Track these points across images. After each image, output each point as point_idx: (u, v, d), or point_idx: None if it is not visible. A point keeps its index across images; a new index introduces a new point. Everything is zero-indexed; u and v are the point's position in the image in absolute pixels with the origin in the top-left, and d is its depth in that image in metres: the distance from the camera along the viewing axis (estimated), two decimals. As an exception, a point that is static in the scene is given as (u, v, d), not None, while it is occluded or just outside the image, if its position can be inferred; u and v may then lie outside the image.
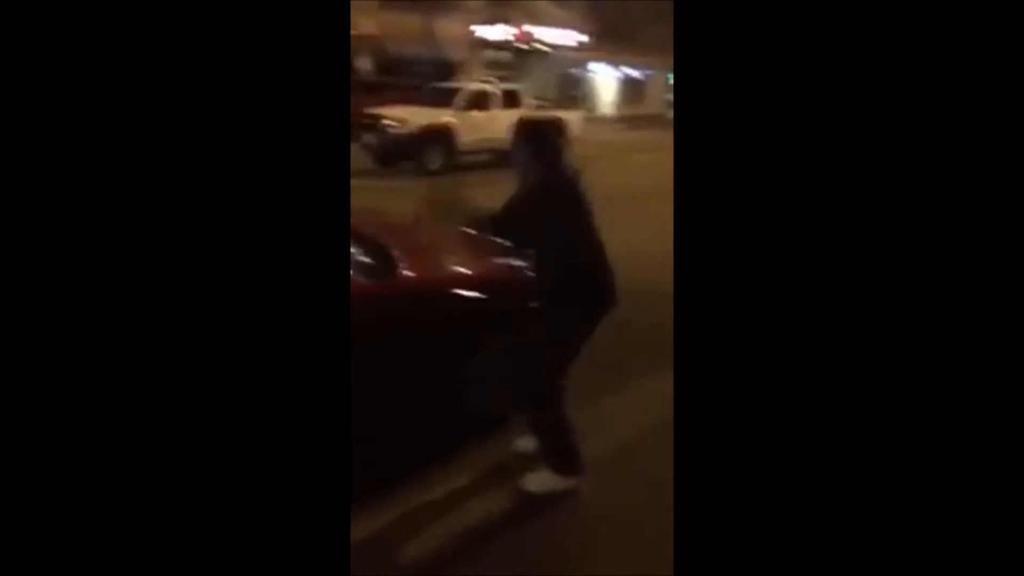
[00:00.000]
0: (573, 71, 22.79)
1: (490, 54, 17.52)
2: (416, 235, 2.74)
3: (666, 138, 15.27)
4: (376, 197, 7.57)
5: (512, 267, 2.43)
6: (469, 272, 2.44)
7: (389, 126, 8.97)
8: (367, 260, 2.26)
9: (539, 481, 2.11)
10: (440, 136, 9.18)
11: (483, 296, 2.33)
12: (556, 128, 2.12)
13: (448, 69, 17.64)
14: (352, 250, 2.32)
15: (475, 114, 9.67)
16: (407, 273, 2.25)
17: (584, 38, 20.12)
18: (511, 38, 17.87)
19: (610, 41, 21.74)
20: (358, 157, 9.46)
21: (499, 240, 2.18)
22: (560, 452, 2.09)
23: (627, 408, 2.64)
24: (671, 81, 27.04)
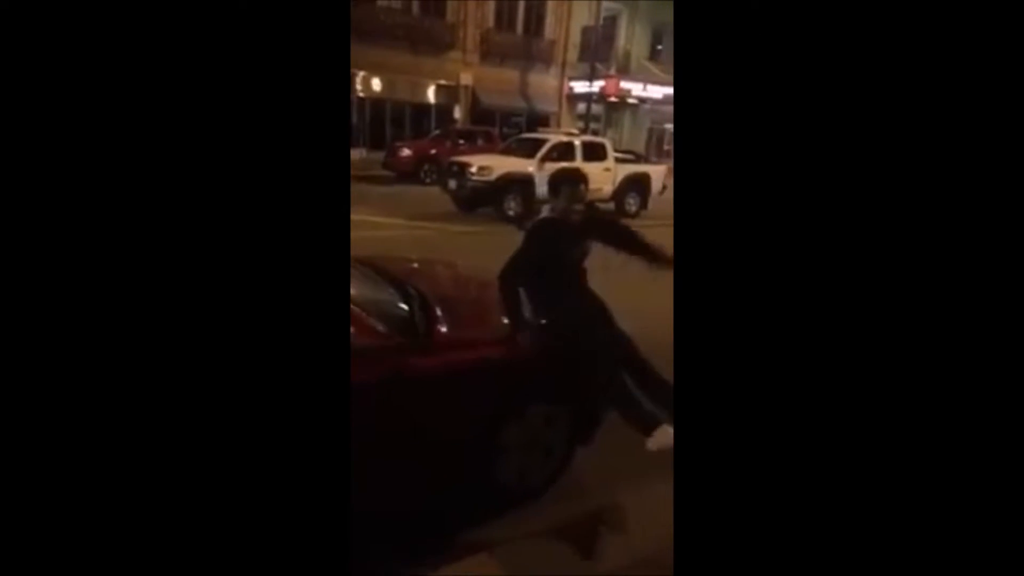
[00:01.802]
0: (665, 125, 22.75)
1: (582, 107, 17.85)
2: (468, 290, 2.71)
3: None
4: (453, 240, 7.87)
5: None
6: (508, 335, 2.35)
7: (473, 173, 9.23)
8: (404, 311, 2.23)
9: (658, 440, 2.22)
10: (520, 184, 9.32)
11: (520, 363, 2.23)
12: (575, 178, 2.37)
13: (539, 121, 18.12)
14: (399, 303, 2.32)
15: (559, 165, 9.77)
16: (444, 332, 2.21)
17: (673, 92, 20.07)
18: (601, 91, 18.13)
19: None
20: (442, 201, 9.85)
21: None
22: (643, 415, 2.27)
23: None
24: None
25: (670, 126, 23.00)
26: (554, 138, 10.23)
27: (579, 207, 2.36)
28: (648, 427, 2.28)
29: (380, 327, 2.06)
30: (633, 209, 10.82)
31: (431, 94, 16.97)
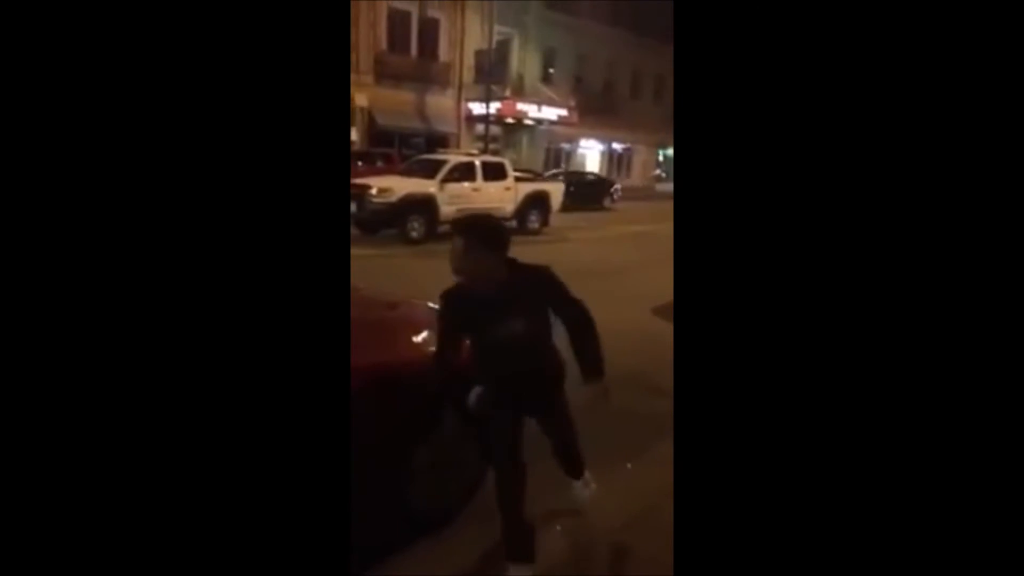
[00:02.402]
0: (562, 145, 23.57)
1: (480, 128, 18.13)
2: (374, 311, 2.65)
3: (654, 209, 15.67)
4: (356, 263, 7.62)
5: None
6: (420, 353, 2.32)
7: (373, 195, 9.08)
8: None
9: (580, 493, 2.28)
10: (423, 206, 9.29)
11: (430, 381, 2.20)
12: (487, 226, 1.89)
13: (438, 142, 18.17)
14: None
15: (459, 185, 9.84)
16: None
17: (567, 113, 20.92)
18: (498, 113, 18.53)
19: (595, 116, 22.63)
20: (342, 225, 9.61)
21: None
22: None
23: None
24: (661, 155, 28.03)
25: (566, 146, 23.88)
26: (454, 158, 10.31)
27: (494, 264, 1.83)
28: (576, 470, 2.29)
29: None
30: (535, 226, 11.09)
31: (326, 116, 16.57)
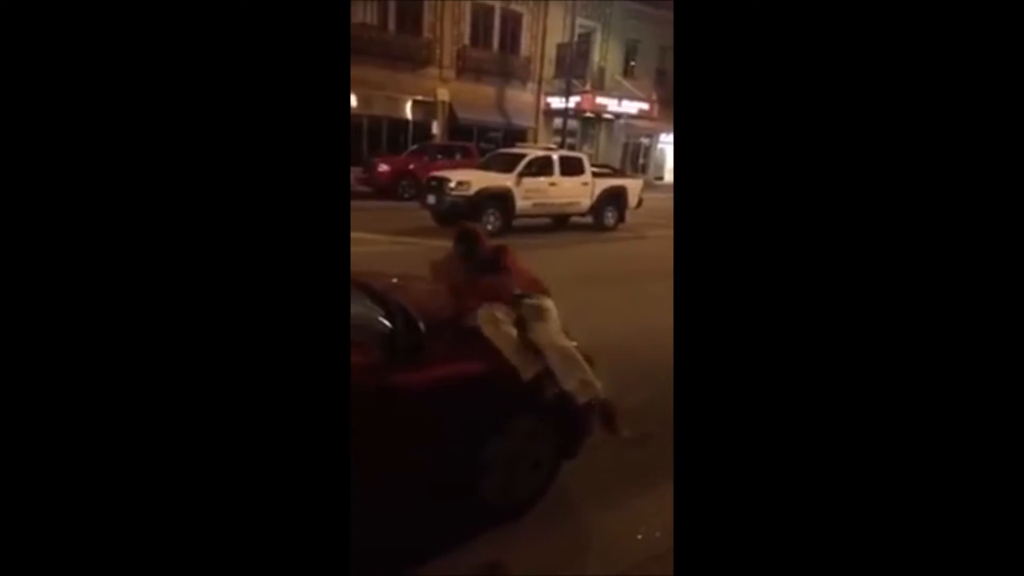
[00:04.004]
0: (641, 139, 23.08)
1: (558, 122, 18.06)
2: (448, 305, 2.69)
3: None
4: (433, 255, 7.81)
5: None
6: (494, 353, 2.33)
7: (451, 188, 9.24)
8: (387, 326, 2.21)
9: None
10: (499, 200, 9.36)
11: (503, 376, 2.21)
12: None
13: (516, 136, 18.26)
14: (382, 318, 2.29)
15: (536, 180, 9.83)
16: (427, 346, 2.18)
17: (647, 107, 20.44)
18: (577, 107, 18.37)
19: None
20: (420, 216, 9.82)
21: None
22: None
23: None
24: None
25: (645, 140, 23.36)
26: (532, 153, 10.31)
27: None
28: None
29: (363, 343, 2.03)
30: (611, 222, 10.93)
31: (408, 110, 17.01)
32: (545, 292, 2.34)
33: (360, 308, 2.36)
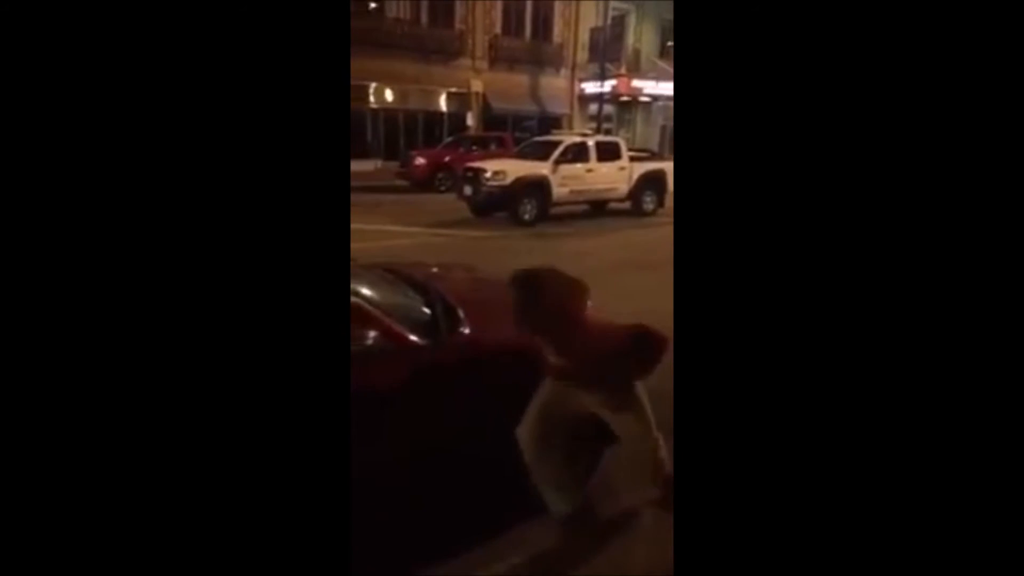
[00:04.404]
0: (677, 122, 22.59)
1: (593, 108, 17.85)
2: (487, 293, 2.73)
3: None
4: (470, 245, 7.91)
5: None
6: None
7: (488, 178, 9.27)
8: (427, 314, 2.26)
9: None
10: (536, 188, 9.35)
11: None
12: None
13: (551, 124, 18.14)
14: (422, 307, 2.35)
15: (573, 167, 9.77)
16: (467, 333, 2.23)
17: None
18: (613, 91, 18.10)
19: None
20: (458, 207, 9.91)
21: None
22: None
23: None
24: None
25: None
26: (568, 139, 10.23)
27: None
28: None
29: (404, 330, 2.10)
30: (651, 207, 10.77)
31: (443, 102, 17.10)
32: (636, 347, 1.80)
33: (402, 298, 2.43)
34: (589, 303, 1.83)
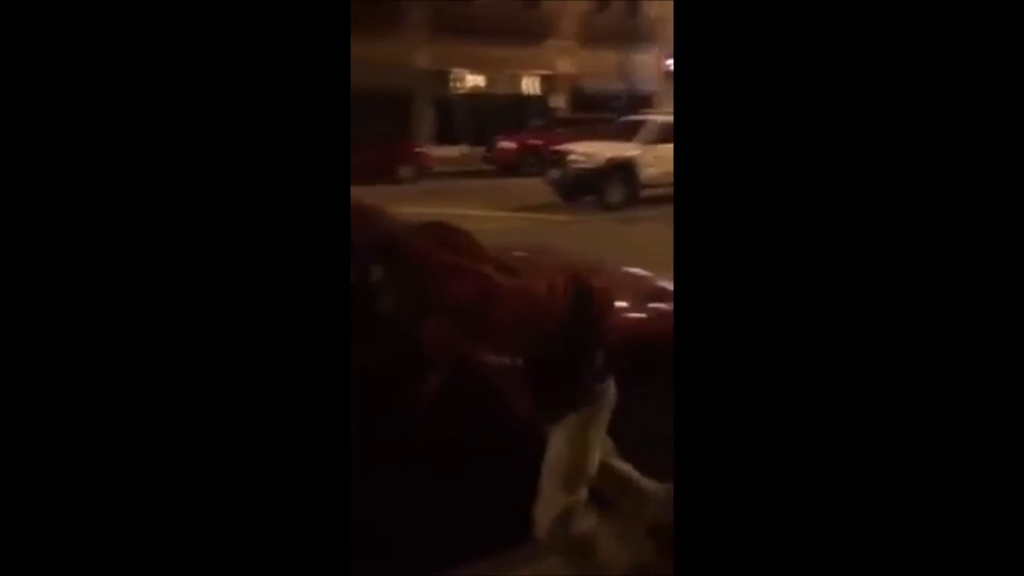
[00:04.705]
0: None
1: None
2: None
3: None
4: (557, 231, 7.84)
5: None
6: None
7: (574, 161, 9.16)
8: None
9: None
10: (624, 170, 9.12)
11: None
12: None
13: (639, 103, 17.63)
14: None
15: (662, 147, 9.44)
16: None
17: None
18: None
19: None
20: (545, 192, 9.85)
21: None
22: None
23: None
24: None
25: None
26: (656, 119, 9.90)
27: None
28: None
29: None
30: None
31: (530, 85, 17.04)
32: None
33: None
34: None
